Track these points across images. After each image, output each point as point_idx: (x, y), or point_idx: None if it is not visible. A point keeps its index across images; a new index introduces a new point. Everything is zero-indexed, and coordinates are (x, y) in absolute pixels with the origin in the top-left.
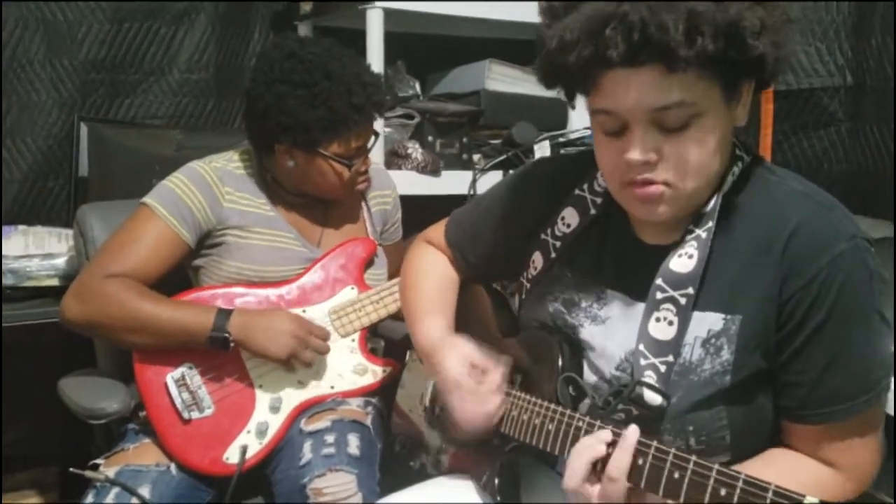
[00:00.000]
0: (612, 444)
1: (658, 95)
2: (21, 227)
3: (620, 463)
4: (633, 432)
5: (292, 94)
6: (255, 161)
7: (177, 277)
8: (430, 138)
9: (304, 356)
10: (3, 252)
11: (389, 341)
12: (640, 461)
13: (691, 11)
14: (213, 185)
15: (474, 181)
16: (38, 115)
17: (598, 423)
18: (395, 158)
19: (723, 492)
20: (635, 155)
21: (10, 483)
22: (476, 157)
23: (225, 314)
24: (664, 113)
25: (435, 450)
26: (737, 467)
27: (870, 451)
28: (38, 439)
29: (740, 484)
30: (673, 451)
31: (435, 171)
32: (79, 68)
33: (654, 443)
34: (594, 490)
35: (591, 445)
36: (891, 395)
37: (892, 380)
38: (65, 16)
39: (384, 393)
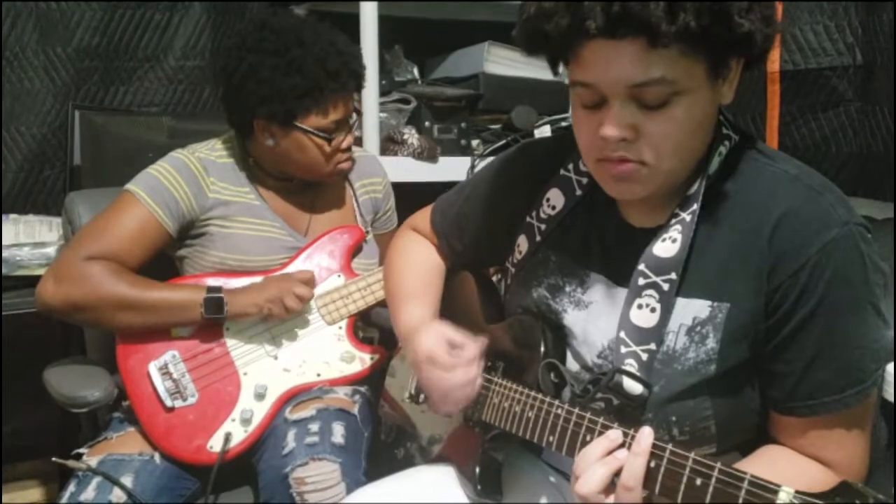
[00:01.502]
0: (622, 445)
1: (638, 71)
2: (12, 216)
3: (636, 470)
4: (646, 435)
5: (265, 63)
6: (237, 148)
7: (164, 268)
8: (427, 123)
9: (290, 303)
10: None
11: (384, 330)
12: (653, 464)
13: None
14: (198, 175)
15: (473, 167)
16: (32, 104)
17: (576, 410)
18: (390, 144)
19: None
20: (611, 131)
21: (10, 474)
22: (475, 142)
23: (215, 288)
24: (643, 89)
25: (426, 439)
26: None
27: (859, 448)
28: (39, 430)
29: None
30: (693, 455)
31: (432, 157)
32: (73, 56)
33: (669, 446)
34: (609, 499)
35: (606, 452)
36: (891, 380)
37: (893, 368)
38: (58, 3)
39: (373, 381)
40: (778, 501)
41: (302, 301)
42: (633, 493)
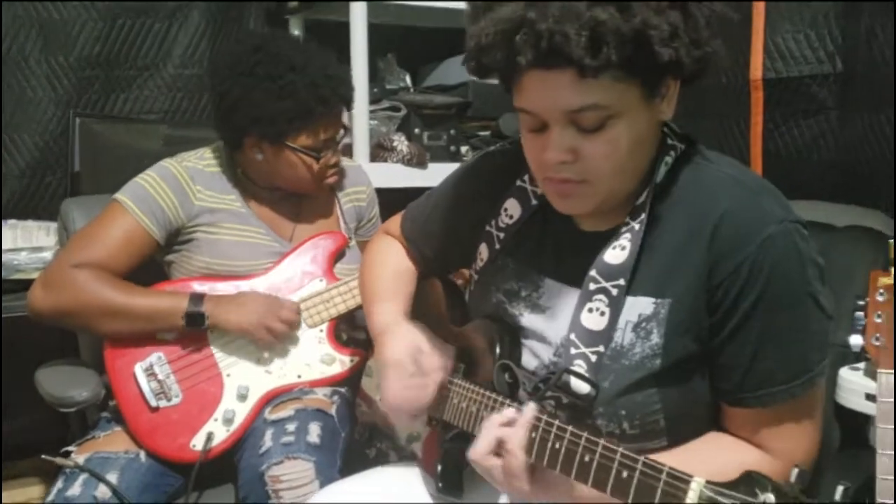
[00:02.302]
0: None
1: (572, 98)
2: (10, 221)
3: (517, 438)
4: (529, 409)
5: (259, 87)
6: (225, 157)
7: (153, 272)
8: (416, 130)
9: (276, 327)
10: None
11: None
12: (534, 435)
13: (595, 21)
14: (184, 184)
15: None
16: (34, 112)
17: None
18: (380, 151)
19: (624, 474)
20: (551, 155)
21: (12, 471)
22: (464, 148)
23: (198, 298)
24: (579, 114)
25: (405, 437)
26: (671, 450)
27: (806, 438)
28: (40, 428)
29: (639, 466)
30: (570, 428)
31: (421, 164)
32: (74, 65)
33: (556, 422)
34: (497, 462)
35: (495, 422)
36: (843, 384)
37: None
38: (60, 14)
39: (353, 382)
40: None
41: (288, 326)
42: (516, 459)
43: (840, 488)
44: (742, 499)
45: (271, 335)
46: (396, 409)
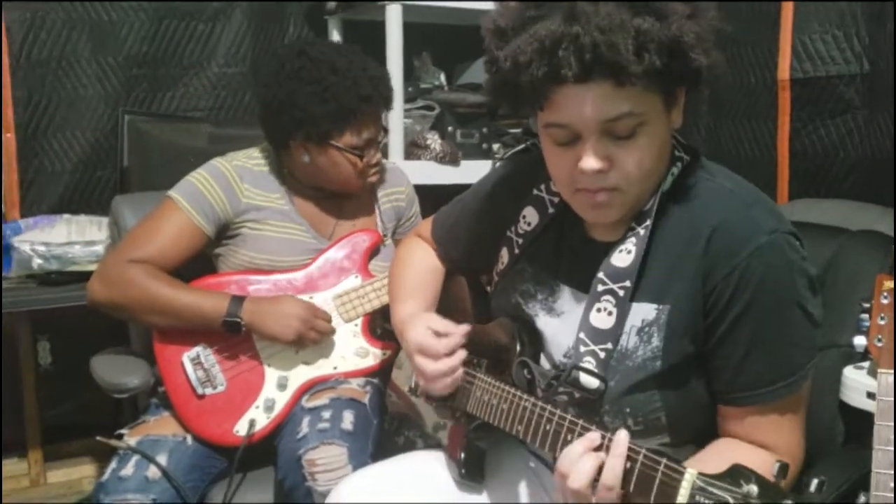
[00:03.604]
0: (599, 448)
1: (609, 108)
2: (65, 216)
3: (616, 471)
4: (623, 438)
5: (303, 91)
6: (272, 157)
7: (201, 263)
8: (450, 129)
9: (309, 337)
10: (49, 240)
11: None
12: (629, 465)
13: (638, 30)
14: (232, 181)
15: None
16: (85, 110)
17: (540, 403)
18: (414, 149)
19: (627, 465)
20: (590, 164)
21: (65, 451)
22: (496, 146)
23: (238, 301)
24: (615, 123)
25: (431, 426)
26: (691, 459)
27: (794, 433)
28: (93, 411)
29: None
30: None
31: (454, 161)
32: (122, 64)
33: (644, 449)
34: (593, 499)
35: (586, 450)
36: (847, 382)
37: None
38: (109, 15)
39: (385, 374)
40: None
41: (321, 336)
42: (613, 493)
43: (815, 481)
44: (727, 489)
45: (305, 343)
46: (433, 386)
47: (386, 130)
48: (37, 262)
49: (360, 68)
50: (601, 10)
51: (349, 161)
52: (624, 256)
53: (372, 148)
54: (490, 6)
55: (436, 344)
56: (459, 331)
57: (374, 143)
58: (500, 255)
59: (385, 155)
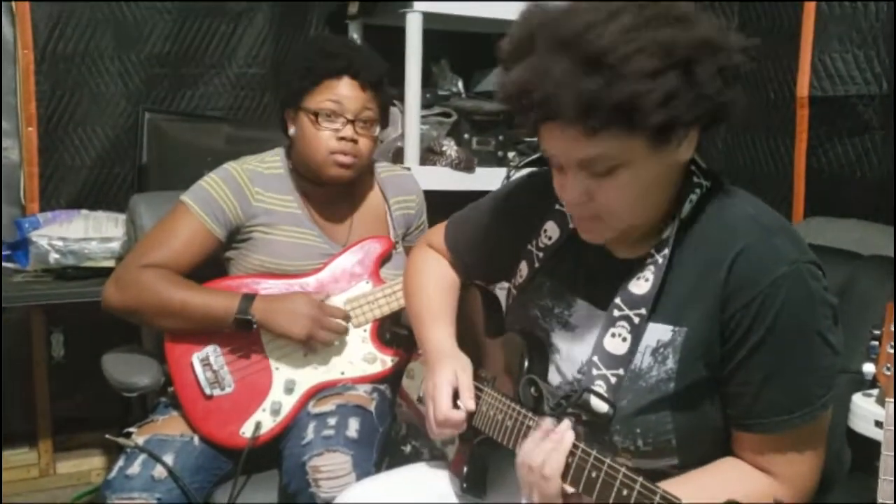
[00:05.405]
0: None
1: (580, 149)
2: (83, 212)
3: (555, 463)
4: (569, 435)
5: (291, 67)
6: (284, 160)
7: (214, 266)
8: (466, 136)
9: (320, 336)
10: (66, 235)
11: (412, 330)
12: (570, 460)
13: (584, 92)
14: (243, 185)
15: (508, 178)
16: (106, 106)
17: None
18: (430, 155)
19: (624, 492)
20: (567, 195)
21: (75, 442)
22: (511, 154)
23: (248, 299)
24: (589, 161)
25: (440, 441)
26: (687, 473)
27: (807, 466)
28: (103, 404)
29: (637, 487)
30: (594, 453)
31: (469, 168)
32: (144, 63)
33: (585, 447)
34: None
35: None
36: (856, 409)
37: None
38: (133, 15)
39: (394, 381)
40: None
41: (333, 334)
42: (552, 483)
43: None
44: None
45: (316, 342)
46: (431, 433)
47: (383, 124)
48: (54, 256)
49: (342, 43)
50: (556, 67)
51: (312, 125)
52: (642, 284)
53: (344, 120)
54: (508, 15)
55: (454, 415)
56: (468, 405)
57: (348, 119)
58: (520, 268)
59: (400, 160)
